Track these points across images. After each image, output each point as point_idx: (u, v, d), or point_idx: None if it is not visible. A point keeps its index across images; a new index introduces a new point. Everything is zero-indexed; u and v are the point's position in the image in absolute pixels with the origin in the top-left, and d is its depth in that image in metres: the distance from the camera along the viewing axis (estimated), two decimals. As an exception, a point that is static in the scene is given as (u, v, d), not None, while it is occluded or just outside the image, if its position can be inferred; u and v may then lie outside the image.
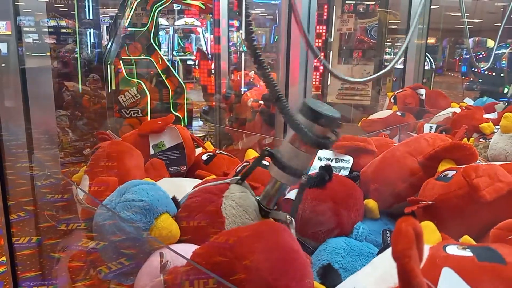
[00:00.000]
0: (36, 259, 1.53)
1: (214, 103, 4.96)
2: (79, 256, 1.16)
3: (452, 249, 0.58)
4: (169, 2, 5.68)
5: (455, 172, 1.07)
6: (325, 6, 5.07)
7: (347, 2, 5.32)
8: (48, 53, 1.82)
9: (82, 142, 5.21)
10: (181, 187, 1.27)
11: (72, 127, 5.26)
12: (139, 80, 5.38)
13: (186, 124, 5.95)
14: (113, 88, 5.29)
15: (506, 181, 0.99)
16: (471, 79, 7.80)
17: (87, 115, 5.31)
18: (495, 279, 0.52)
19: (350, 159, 1.39)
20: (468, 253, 0.56)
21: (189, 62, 8.57)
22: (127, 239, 0.97)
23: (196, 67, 6.11)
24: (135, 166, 1.31)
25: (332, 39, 5.44)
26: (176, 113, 5.73)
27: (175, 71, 6.39)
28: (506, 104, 2.49)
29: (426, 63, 5.19)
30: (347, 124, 4.18)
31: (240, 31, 6.76)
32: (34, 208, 1.52)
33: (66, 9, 5.55)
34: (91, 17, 5.86)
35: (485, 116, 2.06)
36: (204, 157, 1.60)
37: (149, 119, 5.43)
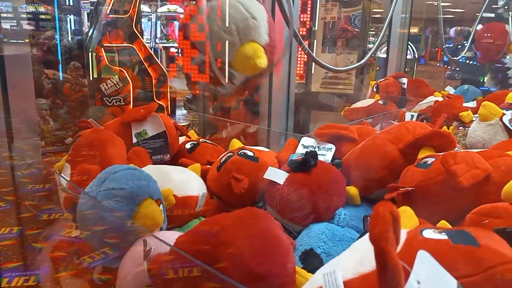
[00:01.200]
0: (17, 250, 1.51)
1: (198, 92, 4.93)
2: (62, 245, 1.15)
3: (428, 233, 0.60)
4: (152, -12, 5.59)
5: (434, 159, 1.10)
6: (309, -6, 5.05)
7: (329, -9, 5.31)
8: (27, 40, 1.77)
9: (64, 131, 5.12)
10: (166, 173, 1.26)
11: (53, 115, 5.16)
12: (121, 68, 5.31)
13: (169, 113, 5.90)
14: (95, 76, 5.21)
15: (482, 167, 1.01)
16: (453, 68, 7.90)
17: (68, 104, 5.21)
18: (468, 261, 0.54)
19: (332, 147, 1.41)
20: (443, 236, 0.58)
21: (172, 50, 8.48)
22: (110, 228, 0.97)
23: (180, 55, 6.02)
24: (117, 154, 1.30)
25: (316, 28, 5.43)
26: (159, 102, 5.68)
27: (158, 58, 6.32)
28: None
29: (409, 52, 5.24)
30: (330, 112, 4.21)
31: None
32: (14, 198, 1.50)
33: (45, -5, 5.39)
34: (71, 3, 5.71)
35: (465, 104, 2.10)
36: (188, 146, 1.60)
37: (131, 107, 5.37)
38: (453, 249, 0.55)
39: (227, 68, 1.37)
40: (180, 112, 7.13)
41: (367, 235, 0.62)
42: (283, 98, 2.56)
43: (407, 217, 0.74)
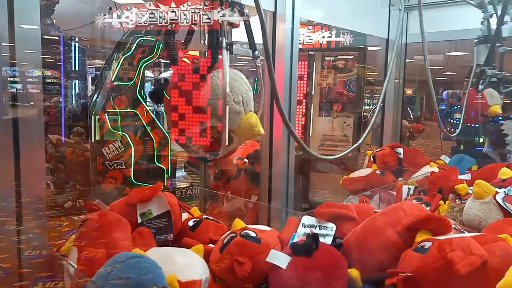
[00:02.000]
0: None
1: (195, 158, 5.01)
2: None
3: None
4: (156, 57, 5.85)
5: (431, 243, 1.13)
6: (306, 62, 5.29)
7: (326, 58, 5.58)
8: (32, 103, 1.82)
9: (64, 195, 5.15)
10: (169, 256, 1.29)
11: (53, 180, 5.21)
12: (123, 133, 5.43)
13: (170, 175, 5.96)
14: (97, 138, 5.32)
15: (478, 254, 1.05)
16: (448, 129, 8.07)
17: (70, 168, 5.29)
18: None
19: (333, 227, 1.44)
20: None
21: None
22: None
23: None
24: (123, 237, 1.33)
25: (313, 93, 5.64)
26: (160, 165, 5.76)
27: (159, 122, 6.48)
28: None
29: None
30: (329, 174, 4.25)
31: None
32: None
33: (52, 60, 5.61)
34: (77, 68, 5.95)
35: (460, 177, 2.16)
36: (191, 223, 1.63)
37: (132, 171, 5.43)
38: None
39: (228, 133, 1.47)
40: (180, 174, 7.20)
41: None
42: (283, 161, 2.62)
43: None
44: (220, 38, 1.56)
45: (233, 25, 1.61)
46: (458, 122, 7.29)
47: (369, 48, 4.71)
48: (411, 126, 5.22)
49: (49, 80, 5.62)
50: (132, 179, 5.33)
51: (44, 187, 1.81)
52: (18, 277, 1.59)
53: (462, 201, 1.83)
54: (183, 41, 1.87)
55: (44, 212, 1.70)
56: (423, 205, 1.80)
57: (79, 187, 5.24)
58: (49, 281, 1.54)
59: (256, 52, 1.65)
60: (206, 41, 1.58)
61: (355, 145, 2.15)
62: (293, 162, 2.69)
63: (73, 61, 5.91)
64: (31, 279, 1.62)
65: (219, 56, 1.51)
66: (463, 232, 1.37)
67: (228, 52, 1.56)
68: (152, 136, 5.65)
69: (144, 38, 5.57)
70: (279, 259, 1.22)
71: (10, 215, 1.52)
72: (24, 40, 1.63)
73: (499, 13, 2.81)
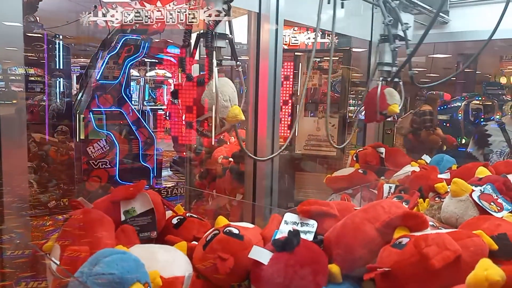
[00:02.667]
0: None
1: (184, 154, 5.02)
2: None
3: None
4: (142, 56, 5.82)
5: (408, 239, 1.17)
6: (291, 63, 5.33)
7: (312, 60, 5.63)
8: (14, 101, 1.82)
9: (47, 194, 5.10)
10: (152, 253, 1.30)
11: (37, 179, 5.15)
12: (108, 132, 5.39)
13: (155, 174, 5.94)
14: (82, 137, 5.27)
15: (452, 249, 1.09)
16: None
17: (53, 167, 5.23)
18: None
19: (314, 224, 1.47)
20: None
21: (160, 112, 8.69)
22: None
23: (167, 118, 6.19)
24: (106, 234, 1.34)
25: (298, 94, 5.69)
26: (146, 164, 5.73)
27: (145, 121, 6.45)
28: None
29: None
30: (313, 173, 4.29)
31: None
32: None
33: (36, 58, 5.55)
34: (61, 67, 5.88)
35: (440, 176, 2.21)
36: (174, 221, 1.64)
37: (117, 170, 5.40)
38: None
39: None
40: (166, 173, 7.17)
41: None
42: (267, 161, 2.64)
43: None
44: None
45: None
46: (442, 124, 7.37)
47: (353, 49, 4.77)
48: (445, 137, 5.28)
49: (32, 78, 5.55)
50: (117, 178, 5.30)
51: (27, 186, 1.80)
52: (0, 277, 1.58)
53: (442, 199, 1.88)
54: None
55: (27, 212, 1.70)
56: (403, 203, 1.84)
57: (63, 186, 5.19)
58: (32, 280, 1.54)
59: (238, 63, 2.05)
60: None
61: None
62: (277, 161, 2.72)
63: (57, 59, 5.85)
64: (14, 278, 1.61)
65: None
66: (440, 229, 1.41)
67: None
68: (137, 135, 5.62)
69: (130, 36, 5.54)
70: (261, 255, 1.24)
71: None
72: (6, 38, 1.62)
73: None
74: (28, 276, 1.56)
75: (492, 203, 1.53)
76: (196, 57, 2.24)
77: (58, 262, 1.19)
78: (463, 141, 6.55)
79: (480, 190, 1.57)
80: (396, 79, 2.96)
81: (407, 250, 1.13)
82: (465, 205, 1.56)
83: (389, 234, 1.27)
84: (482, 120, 6.70)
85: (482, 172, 1.83)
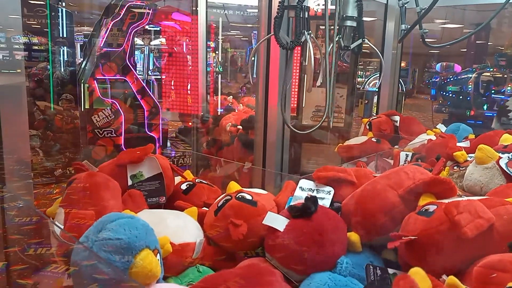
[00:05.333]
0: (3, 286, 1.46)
1: (190, 124, 4.93)
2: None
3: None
4: (146, 23, 5.66)
5: (436, 207, 1.09)
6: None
7: (321, 27, 5.44)
8: (19, 70, 1.77)
9: (53, 162, 5.06)
10: (162, 219, 1.24)
11: (43, 147, 5.10)
12: (113, 100, 5.31)
13: (161, 144, 5.88)
14: (87, 107, 5.19)
15: (485, 217, 1.00)
16: (440, 101, 8.07)
17: (59, 135, 5.17)
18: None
19: (331, 190, 1.39)
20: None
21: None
22: (105, 279, 0.93)
23: (172, 87, 6.09)
24: (112, 198, 1.27)
25: (306, 63, 5.54)
26: (151, 134, 5.67)
27: (150, 90, 6.34)
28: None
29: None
30: (321, 145, 4.21)
31: (216, 52, 6.80)
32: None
33: (39, 27, 5.43)
34: (65, 35, 5.75)
35: (458, 144, 2.12)
36: (184, 187, 1.57)
37: (123, 139, 5.34)
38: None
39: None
40: (171, 143, 7.11)
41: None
42: (278, 131, 2.57)
43: (420, 279, 0.72)
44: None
45: None
46: (451, 95, 7.25)
47: (365, 18, 4.59)
48: None
49: (35, 47, 5.45)
50: (123, 147, 5.25)
51: (29, 151, 1.74)
52: (7, 243, 1.54)
53: (461, 169, 1.79)
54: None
55: (31, 178, 1.65)
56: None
57: (69, 155, 5.15)
58: (41, 247, 1.49)
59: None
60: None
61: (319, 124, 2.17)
62: (288, 131, 2.63)
63: (60, 27, 5.71)
64: (22, 245, 1.57)
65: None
66: (466, 198, 1.33)
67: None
68: (142, 104, 5.53)
69: (134, 2, 5.38)
70: (276, 222, 1.17)
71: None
72: (5, 4, 1.54)
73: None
74: (36, 242, 1.52)
75: (520, 171, 1.44)
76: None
77: (62, 227, 1.12)
78: (472, 112, 6.43)
79: (508, 157, 1.48)
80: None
81: (435, 218, 1.05)
82: (491, 173, 1.48)
83: (413, 201, 1.19)
84: (492, 92, 6.55)
85: (507, 139, 1.74)
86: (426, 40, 2.65)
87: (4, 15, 1.59)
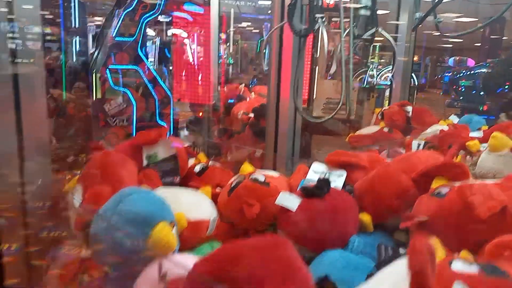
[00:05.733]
0: (18, 267, 1.50)
1: (201, 114, 4.95)
2: (70, 265, 1.14)
3: (458, 265, 0.59)
4: (158, 13, 5.68)
5: (448, 189, 1.10)
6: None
7: (333, 19, 5.42)
8: (32, 60, 1.80)
9: (66, 149, 5.12)
10: (177, 196, 1.26)
11: (55, 134, 5.17)
12: (125, 89, 5.35)
13: (172, 134, 5.92)
14: (99, 96, 5.24)
15: (499, 199, 1.01)
16: (452, 96, 7.99)
17: (72, 123, 5.23)
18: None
19: (343, 173, 1.41)
20: (474, 268, 0.58)
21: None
22: (123, 250, 0.95)
23: (183, 78, 6.11)
24: (128, 176, 1.29)
25: (318, 55, 5.52)
26: (162, 123, 5.70)
27: (161, 80, 6.36)
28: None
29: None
30: (331, 137, 4.22)
31: (228, 44, 6.80)
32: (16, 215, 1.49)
33: (52, 16, 5.48)
34: (77, 26, 5.79)
35: (471, 134, 2.11)
36: (197, 169, 1.59)
37: (134, 128, 5.39)
38: (487, 281, 0.55)
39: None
40: (182, 133, 7.15)
41: (392, 267, 0.61)
42: (290, 121, 2.58)
43: (436, 247, 0.73)
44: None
45: None
46: (463, 90, 7.19)
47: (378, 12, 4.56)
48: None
49: (49, 38, 5.51)
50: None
51: (48, 139, 1.78)
52: (23, 227, 1.58)
53: (473, 158, 1.79)
54: None
55: (49, 164, 1.68)
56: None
57: (82, 142, 5.22)
58: (54, 230, 1.53)
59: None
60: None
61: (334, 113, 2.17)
62: (300, 120, 2.64)
63: (73, 18, 5.76)
64: (37, 228, 1.61)
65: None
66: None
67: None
68: (154, 93, 5.56)
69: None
70: (289, 201, 1.19)
71: (13, 167, 1.49)
72: None
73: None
74: (51, 226, 1.56)
75: (534, 158, 1.44)
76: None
77: (80, 200, 1.15)
78: (485, 107, 6.37)
79: (522, 144, 1.48)
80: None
81: (448, 199, 1.06)
82: (505, 160, 1.47)
83: (425, 185, 1.20)
84: (506, 87, 6.48)
85: (521, 128, 1.73)
86: (438, 24, 2.64)
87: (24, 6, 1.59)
